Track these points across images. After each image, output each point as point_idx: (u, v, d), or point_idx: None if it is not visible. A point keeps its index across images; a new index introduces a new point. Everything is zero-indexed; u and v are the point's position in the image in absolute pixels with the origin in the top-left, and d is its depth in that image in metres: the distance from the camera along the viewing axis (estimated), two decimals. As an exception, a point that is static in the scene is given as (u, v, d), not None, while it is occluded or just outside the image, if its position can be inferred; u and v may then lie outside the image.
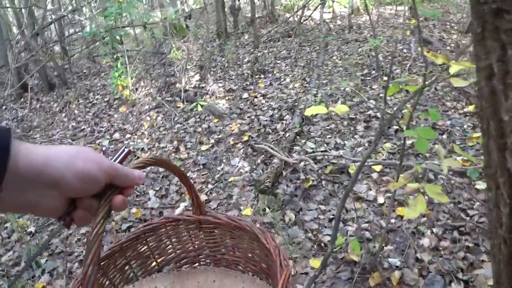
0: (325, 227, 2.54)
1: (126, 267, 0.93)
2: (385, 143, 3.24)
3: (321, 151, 3.29)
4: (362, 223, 2.49)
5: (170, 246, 0.99)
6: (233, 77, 5.34)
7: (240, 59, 5.85)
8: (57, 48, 7.18)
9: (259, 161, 3.36)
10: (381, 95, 3.98)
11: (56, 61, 6.36)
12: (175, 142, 3.96)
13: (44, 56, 5.58)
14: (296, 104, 4.15)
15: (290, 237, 2.51)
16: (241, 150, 3.63)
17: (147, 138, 4.26)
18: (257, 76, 5.28)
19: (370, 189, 2.80)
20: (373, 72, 4.76)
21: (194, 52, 5.90)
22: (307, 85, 4.69)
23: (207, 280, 0.92)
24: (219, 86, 4.98)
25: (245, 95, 4.72)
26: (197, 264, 1.03)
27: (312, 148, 3.40)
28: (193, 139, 3.96)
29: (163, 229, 0.97)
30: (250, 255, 0.95)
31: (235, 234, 0.94)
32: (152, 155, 3.65)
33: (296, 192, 2.93)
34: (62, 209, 0.54)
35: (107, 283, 0.88)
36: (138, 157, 3.58)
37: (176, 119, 4.47)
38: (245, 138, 3.79)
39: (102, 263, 0.87)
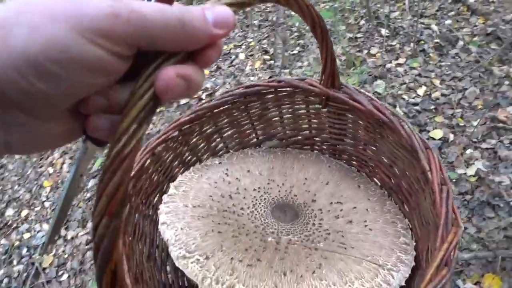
0: None
1: (215, 136, 0.69)
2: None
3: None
4: None
5: (277, 118, 0.72)
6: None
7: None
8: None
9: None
10: (388, 65, 2.05)
11: None
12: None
13: None
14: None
15: None
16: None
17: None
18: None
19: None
20: (364, 23, 2.49)
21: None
22: (272, 62, 2.52)
23: (318, 178, 0.66)
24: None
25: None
26: (309, 147, 0.76)
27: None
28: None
29: (272, 95, 0.67)
30: (387, 160, 0.64)
31: (374, 129, 0.62)
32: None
33: None
34: (71, 126, 0.27)
35: (187, 153, 0.66)
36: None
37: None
38: None
39: (183, 128, 0.63)
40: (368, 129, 0.63)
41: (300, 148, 0.75)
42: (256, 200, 0.60)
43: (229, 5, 0.28)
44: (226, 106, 0.65)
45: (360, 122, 0.64)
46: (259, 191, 0.62)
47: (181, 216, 0.52)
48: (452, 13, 2.19)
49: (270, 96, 0.67)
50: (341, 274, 0.45)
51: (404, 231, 0.55)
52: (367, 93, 0.59)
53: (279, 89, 0.66)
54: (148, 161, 0.58)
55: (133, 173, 0.56)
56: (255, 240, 0.50)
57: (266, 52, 2.72)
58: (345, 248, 0.51)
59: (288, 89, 0.66)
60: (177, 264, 0.45)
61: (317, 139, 0.73)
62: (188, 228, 0.49)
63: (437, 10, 2.27)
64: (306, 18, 0.47)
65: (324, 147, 0.74)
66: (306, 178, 0.66)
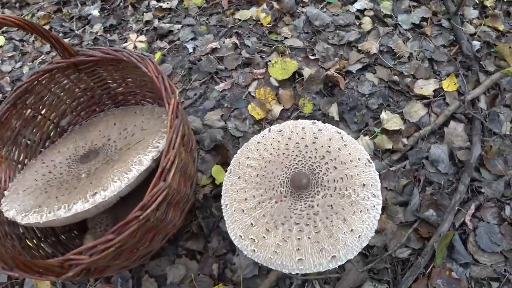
0: None
1: (18, 138, 0.86)
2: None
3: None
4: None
5: (56, 100, 0.90)
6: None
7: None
8: None
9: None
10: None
11: None
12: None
13: None
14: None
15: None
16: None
17: None
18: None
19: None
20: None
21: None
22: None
23: (108, 125, 0.88)
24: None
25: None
26: (96, 108, 0.96)
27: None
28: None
29: (40, 85, 0.85)
30: (141, 83, 0.89)
31: (118, 67, 0.85)
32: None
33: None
34: None
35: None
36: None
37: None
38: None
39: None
40: (115, 69, 0.86)
41: (92, 113, 0.96)
42: (70, 158, 0.81)
43: None
44: (8, 112, 0.82)
45: (108, 67, 0.86)
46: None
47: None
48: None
49: (38, 86, 0.85)
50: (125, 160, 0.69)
51: (165, 114, 0.80)
52: (99, 47, 0.81)
53: (40, 78, 0.84)
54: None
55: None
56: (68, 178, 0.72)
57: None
58: (129, 144, 0.74)
59: (46, 74, 0.84)
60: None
61: (95, 98, 0.94)
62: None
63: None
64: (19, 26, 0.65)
65: (105, 100, 0.95)
66: (100, 131, 0.88)
